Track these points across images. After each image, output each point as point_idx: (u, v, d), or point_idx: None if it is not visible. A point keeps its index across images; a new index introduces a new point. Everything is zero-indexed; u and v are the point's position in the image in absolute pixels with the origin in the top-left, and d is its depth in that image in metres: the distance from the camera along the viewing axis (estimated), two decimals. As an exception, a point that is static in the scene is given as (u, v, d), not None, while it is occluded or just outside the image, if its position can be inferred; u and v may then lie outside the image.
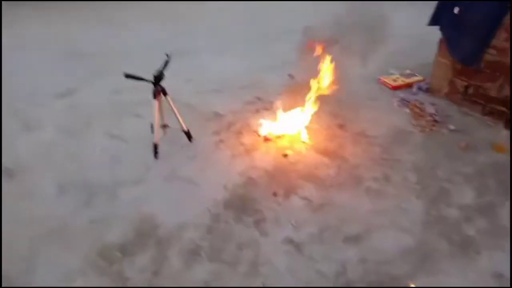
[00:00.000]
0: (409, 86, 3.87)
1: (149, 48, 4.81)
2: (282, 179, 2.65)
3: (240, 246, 2.14)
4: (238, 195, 2.50)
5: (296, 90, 3.79)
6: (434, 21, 3.48)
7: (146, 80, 2.57)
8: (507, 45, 2.97)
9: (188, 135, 2.99)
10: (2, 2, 6.64)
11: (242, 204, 2.43)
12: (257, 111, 3.48)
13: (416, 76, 4.00)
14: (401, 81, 3.89)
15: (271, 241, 2.18)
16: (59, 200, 2.44)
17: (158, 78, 2.62)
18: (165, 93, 2.71)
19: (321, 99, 3.60)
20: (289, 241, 2.18)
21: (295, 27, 5.58)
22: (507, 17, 2.90)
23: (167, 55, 2.59)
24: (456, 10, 3.22)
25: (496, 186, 2.59)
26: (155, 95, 2.65)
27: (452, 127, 3.18)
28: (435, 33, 3.52)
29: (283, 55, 4.67)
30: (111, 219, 2.30)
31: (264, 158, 2.87)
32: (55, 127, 3.18)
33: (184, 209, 2.38)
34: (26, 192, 2.49)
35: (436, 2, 3.42)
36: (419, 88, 3.79)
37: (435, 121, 3.26)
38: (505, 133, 2.89)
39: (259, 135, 3.10)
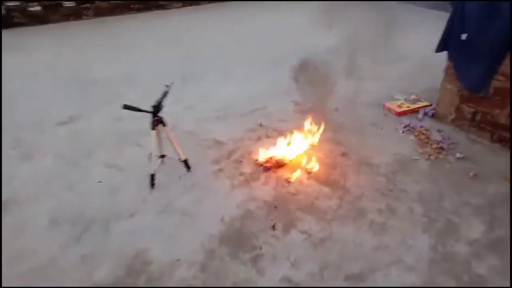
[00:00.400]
0: (414, 112, 3.78)
1: (156, 74, 4.84)
2: (282, 211, 2.55)
3: (234, 285, 2.04)
4: (235, 229, 2.41)
5: (300, 117, 3.75)
6: (441, 47, 3.41)
7: (145, 111, 2.55)
8: (515, 71, 2.89)
9: (187, 164, 2.93)
10: (12, 29, 6.86)
11: (238, 239, 2.34)
12: (259, 138, 3.42)
13: (422, 101, 3.91)
14: (406, 106, 3.80)
15: (268, 280, 2.07)
16: (51, 234, 2.38)
17: (156, 109, 2.59)
18: (164, 124, 2.68)
19: (325, 126, 3.54)
20: (287, 280, 2.07)
21: (301, 52, 5.62)
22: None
23: (166, 85, 2.57)
24: (463, 36, 3.16)
25: (507, 219, 2.45)
26: (153, 126, 2.62)
27: (459, 155, 3.07)
28: (442, 57, 3.45)
29: (288, 80, 4.65)
30: (102, 255, 2.22)
31: (264, 188, 2.79)
32: (54, 155, 3.16)
33: (178, 244, 2.30)
34: (19, 224, 2.44)
35: (444, 28, 3.36)
36: (425, 114, 3.69)
37: (442, 148, 3.15)
38: (516, 162, 2.77)
39: (259, 164, 3.02)
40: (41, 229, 2.42)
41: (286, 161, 3.02)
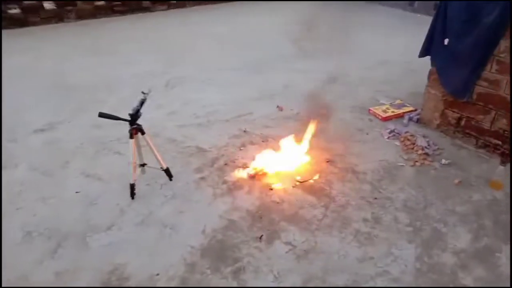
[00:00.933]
0: (399, 117, 3.76)
1: (138, 79, 4.73)
2: (265, 221, 2.49)
3: (215, 301, 1.97)
4: (216, 241, 2.33)
5: (284, 123, 3.69)
6: (424, 52, 3.39)
7: (122, 119, 2.45)
8: (499, 77, 2.87)
9: (168, 173, 2.84)
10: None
11: (220, 251, 2.26)
12: (243, 145, 3.35)
13: (407, 106, 3.89)
14: (391, 111, 3.78)
15: (250, 295, 2.00)
16: (24, 248, 2.26)
17: (134, 117, 2.49)
18: (142, 132, 2.58)
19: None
20: (270, 294, 2.00)
21: (285, 56, 5.59)
22: (497, 49, 2.82)
23: (143, 93, 2.47)
24: (446, 41, 3.15)
25: (493, 227, 2.43)
26: (131, 134, 2.52)
27: (444, 161, 3.05)
28: (427, 61, 3.43)
29: (272, 85, 4.61)
30: (77, 271, 2.12)
31: (248, 197, 2.71)
32: (28, 165, 3.03)
33: (158, 258, 2.21)
34: (-11, 240, 2.32)
35: (426, 32, 3.34)
36: (410, 119, 3.68)
37: (427, 154, 3.13)
38: (501, 168, 2.75)
39: (243, 172, 2.95)
40: (14, 243, 2.31)
41: (272, 169, 2.95)
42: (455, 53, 3.10)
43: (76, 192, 2.74)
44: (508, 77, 2.82)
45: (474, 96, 3.08)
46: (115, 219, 2.50)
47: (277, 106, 4.04)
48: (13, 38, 6.57)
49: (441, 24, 3.14)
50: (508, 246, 2.28)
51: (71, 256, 2.22)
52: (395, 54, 5.47)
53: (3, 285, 1.81)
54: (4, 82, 4.64)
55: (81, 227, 2.42)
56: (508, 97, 2.85)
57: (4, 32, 6.86)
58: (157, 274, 2.11)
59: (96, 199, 2.68)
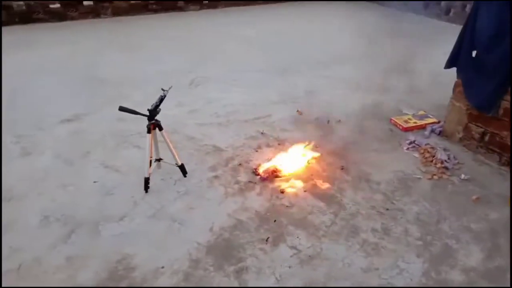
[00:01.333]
0: (421, 128, 3.67)
1: (164, 76, 4.86)
2: (273, 224, 2.50)
3: (215, 298, 2.00)
4: (223, 239, 2.37)
5: (302, 127, 3.69)
6: (451, 63, 3.31)
7: (141, 114, 2.53)
8: (527, 92, 2.77)
9: (183, 170, 2.90)
10: (32, 24, 7.01)
11: (225, 249, 2.29)
12: (259, 147, 3.37)
13: (430, 117, 3.80)
14: (413, 122, 3.70)
15: (250, 295, 2.02)
16: (40, 233, 2.38)
17: (152, 113, 2.57)
18: (160, 128, 2.66)
19: (327, 138, 3.48)
20: (270, 296, 2.01)
21: (309, 61, 5.58)
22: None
23: (163, 90, 2.54)
24: (473, 53, 3.06)
25: (508, 248, 2.33)
26: (149, 129, 2.60)
27: (464, 176, 2.95)
28: (453, 71, 3.34)
29: (295, 89, 4.61)
30: (87, 257, 2.21)
31: (258, 198, 2.74)
32: (52, 153, 3.18)
33: (165, 251, 2.27)
34: (9, 221, 2.44)
35: (454, 43, 3.26)
36: (432, 131, 3.58)
37: (446, 168, 3.04)
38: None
39: (256, 173, 2.98)
40: (31, 227, 2.43)
41: (284, 172, 2.96)
42: (482, 66, 3.01)
43: (94, 182, 2.85)
44: (537, 93, 2.71)
45: (500, 111, 2.97)
46: (128, 210, 2.58)
47: (297, 110, 4.04)
48: (51, 31, 6.90)
49: (469, 36, 3.05)
50: (523, 269, 2.19)
51: (83, 243, 2.31)
52: (425, 63, 5.34)
53: (2, 286, 1.89)
54: (39, 73, 4.88)
55: (95, 216, 2.52)
56: (536, 114, 2.74)
57: (43, 25, 7.22)
58: (162, 267, 2.16)
59: (112, 190, 2.77)
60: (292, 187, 2.85)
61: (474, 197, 2.75)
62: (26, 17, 7.16)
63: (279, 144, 3.39)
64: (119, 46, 6.14)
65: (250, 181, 2.90)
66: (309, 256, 2.26)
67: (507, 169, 3.03)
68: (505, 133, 2.97)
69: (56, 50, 5.83)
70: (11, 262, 2.14)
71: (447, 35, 3.31)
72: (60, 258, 2.20)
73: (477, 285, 2.09)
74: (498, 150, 3.08)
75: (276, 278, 2.11)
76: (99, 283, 2.05)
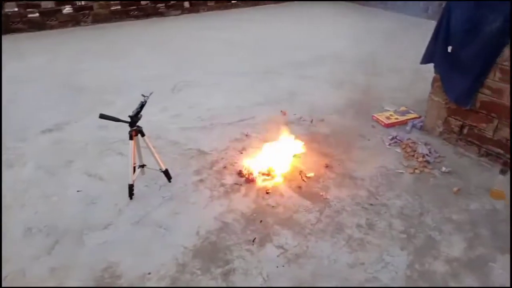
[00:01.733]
0: (403, 123, 3.73)
1: (147, 82, 4.84)
2: (259, 225, 2.51)
3: (203, 302, 2.00)
4: (209, 242, 2.37)
5: (286, 128, 3.71)
6: (426, 59, 3.38)
7: (122, 121, 2.52)
8: (502, 85, 2.83)
9: (167, 175, 2.89)
10: (10, 35, 6.90)
11: (212, 252, 2.29)
12: (244, 149, 3.38)
13: (411, 113, 3.86)
14: (394, 118, 3.76)
15: (238, 297, 2.02)
16: (24, 244, 2.34)
17: (134, 119, 2.56)
18: (142, 134, 2.65)
19: (311, 137, 3.51)
20: (257, 297, 2.02)
21: (292, 63, 5.62)
22: (501, 57, 2.78)
23: (143, 96, 2.54)
24: (449, 49, 3.12)
25: (490, 237, 2.39)
26: (131, 136, 2.59)
27: (445, 169, 3.01)
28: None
29: (278, 91, 4.64)
30: (72, 267, 2.18)
31: (244, 200, 2.74)
32: (35, 164, 3.14)
33: (151, 258, 2.26)
34: (-9, 234, 2.41)
35: (429, 39, 3.33)
36: (413, 126, 3.65)
37: (427, 162, 3.10)
38: (503, 178, 2.70)
39: (241, 175, 2.98)
40: (15, 238, 2.39)
41: (270, 172, 2.97)
42: (458, 60, 3.07)
43: (78, 191, 2.82)
44: None
45: (477, 104, 3.05)
46: (112, 218, 2.56)
47: (281, 111, 4.06)
48: (31, 40, 6.81)
49: (444, 32, 3.11)
50: (504, 256, 2.23)
51: (67, 253, 2.29)
52: (405, 61, 5.43)
53: (3, 285, 1.87)
54: (20, 83, 4.81)
55: (79, 225, 2.49)
56: None
57: (22, 35, 7.12)
58: (149, 273, 2.15)
59: (96, 199, 2.75)
60: (277, 187, 2.86)
61: (455, 189, 2.80)
62: (4, 27, 7.04)
63: (263, 145, 3.40)
64: (100, 54, 6.09)
65: (235, 183, 2.91)
66: (296, 254, 2.28)
67: (487, 160, 3.10)
68: (483, 125, 3.04)
69: (36, 60, 5.75)
70: (-7, 275, 2.11)
71: (428, 32, 3.36)
72: (44, 269, 2.17)
73: (460, 275, 2.13)
74: (476, 142, 3.15)
75: (264, 278, 2.12)
76: (85, 292, 2.04)
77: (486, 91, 2.94)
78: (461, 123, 3.23)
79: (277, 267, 2.20)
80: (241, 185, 2.89)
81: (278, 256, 2.28)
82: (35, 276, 2.13)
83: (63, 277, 2.12)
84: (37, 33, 7.31)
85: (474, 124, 3.13)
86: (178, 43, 6.71)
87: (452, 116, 3.29)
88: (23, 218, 2.56)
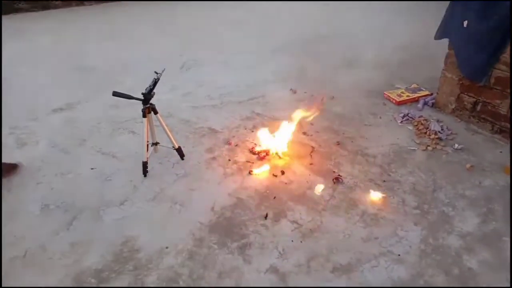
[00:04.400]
0: (414, 101, 3.70)
1: (156, 61, 4.80)
2: (273, 201, 2.53)
3: (221, 274, 2.03)
4: (225, 218, 2.40)
5: (297, 106, 3.69)
6: (441, 34, 3.32)
7: (135, 98, 2.52)
8: (518, 60, 2.79)
9: (180, 152, 2.91)
10: (14, 15, 6.83)
11: (228, 227, 2.33)
12: (255, 127, 3.38)
13: (423, 90, 3.83)
14: (406, 96, 3.73)
15: (255, 270, 2.06)
16: (42, 220, 2.38)
17: (147, 97, 2.55)
18: (155, 112, 2.65)
19: (321, 114, 3.49)
20: (274, 270, 2.05)
21: (301, 40, 5.54)
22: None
23: (156, 73, 2.53)
24: (465, 23, 3.06)
25: (502, 212, 2.40)
26: (144, 113, 2.59)
27: (457, 146, 3.00)
28: (446, 45, 3.35)
29: (287, 68, 4.60)
30: (91, 242, 2.23)
31: (257, 177, 2.76)
32: (49, 143, 3.16)
33: (168, 232, 2.29)
34: (10, 210, 2.45)
35: (444, 14, 3.26)
36: (425, 104, 3.62)
37: (440, 139, 3.09)
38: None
39: (253, 153, 2.99)
40: (32, 215, 2.43)
41: (281, 150, 2.98)
42: (474, 35, 3.01)
43: (92, 169, 2.84)
44: (527, 60, 2.73)
45: (492, 80, 3.00)
46: (128, 195, 2.59)
47: (291, 89, 4.04)
48: (35, 20, 6.75)
49: (460, 5, 3.05)
50: (517, 232, 2.26)
51: (86, 228, 2.33)
52: (415, 38, 5.34)
53: (2, 285, 1.91)
54: (26, 64, 4.80)
55: (96, 202, 2.53)
56: (527, 81, 2.78)
57: (26, 14, 7.05)
58: (167, 247, 2.19)
59: (110, 176, 2.78)
60: (289, 164, 2.87)
61: (468, 165, 2.80)
62: (7, 7, 6.97)
63: (274, 123, 3.39)
64: (106, 33, 6.04)
65: (247, 161, 2.92)
66: (310, 229, 2.31)
67: (500, 137, 3.09)
68: (497, 102, 3.01)
69: (41, 40, 5.71)
70: (16, 250, 2.15)
71: (438, 8, 3.30)
72: (64, 244, 2.22)
73: (474, 249, 2.15)
74: (490, 119, 3.13)
75: (279, 252, 2.16)
76: (105, 266, 2.08)
77: (502, 67, 2.89)
78: (474, 99, 3.20)
79: (292, 241, 2.23)
80: (253, 162, 2.91)
81: (292, 230, 2.30)
82: (55, 251, 2.17)
83: (84, 252, 2.16)
84: (41, 12, 7.23)
85: (488, 101, 3.09)
86: (184, 22, 6.62)
87: (465, 93, 3.25)
88: (40, 195, 2.60)
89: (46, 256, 2.13)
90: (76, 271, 2.04)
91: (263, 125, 3.37)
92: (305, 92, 3.97)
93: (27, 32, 6.08)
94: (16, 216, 2.41)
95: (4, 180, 2.69)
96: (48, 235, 2.28)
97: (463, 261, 2.09)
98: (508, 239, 2.21)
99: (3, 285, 1.90)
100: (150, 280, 1.99)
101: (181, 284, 1.97)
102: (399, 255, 2.12)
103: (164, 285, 1.97)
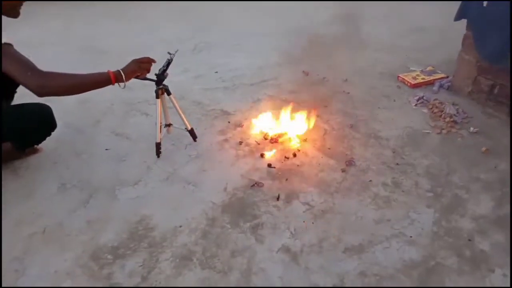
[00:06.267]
0: (430, 84, 3.64)
1: (168, 44, 4.78)
2: (285, 182, 2.54)
3: (234, 253, 2.07)
4: (237, 198, 2.42)
5: (309, 88, 3.67)
6: (460, 15, 3.23)
7: (149, 79, 2.53)
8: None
9: (193, 134, 2.93)
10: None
11: (240, 208, 2.35)
12: (267, 109, 3.37)
13: (438, 73, 3.76)
14: (421, 78, 3.67)
15: (267, 249, 2.08)
16: (59, 199, 2.44)
17: (160, 78, 2.56)
18: (168, 93, 2.66)
19: (334, 97, 3.47)
20: (286, 250, 2.08)
21: (314, 22, 5.46)
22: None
23: (169, 53, 2.53)
24: (485, 3, 2.98)
25: (519, 195, 2.38)
26: (158, 94, 2.60)
27: (473, 129, 2.96)
28: (462, 27, 3.28)
29: (299, 50, 4.55)
30: (107, 220, 2.27)
31: (269, 159, 2.77)
32: (64, 123, 3.19)
33: (182, 212, 2.33)
34: (27, 188, 2.50)
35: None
36: (441, 86, 3.56)
37: (455, 122, 3.04)
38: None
39: (265, 137, 2.99)
40: (49, 194, 2.49)
41: (294, 132, 2.97)
42: (494, 15, 2.93)
43: (106, 149, 2.89)
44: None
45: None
46: (142, 175, 2.63)
47: (303, 71, 4.00)
48: (45, 3, 6.74)
49: (480, -16, 2.96)
50: (532, 215, 2.23)
51: (102, 207, 2.37)
52: (431, 20, 5.22)
53: (3, 285, 1.95)
54: (38, 46, 4.82)
55: (111, 181, 2.57)
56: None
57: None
58: (180, 226, 2.23)
59: (124, 156, 2.81)
60: (301, 146, 2.87)
61: (483, 149, 2.76)
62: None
63: (287, 106, 3.38)
64: (116, 16, 6.02)
65: (259, 143, 2.93)
66: (322, 211, 2.32)
67: (517, 120, 3.03)
68: (516, 84, 2.95)
69: (53, 23, 5.73)
70: (35, 226, 2.21)
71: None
72: (81, 221, 2.27)
73: (487, 232, 2.14)
74: (507, 102, 3.07)
75: (291, 232, 2.18)
76: (121, 243, 2.13)
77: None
78: (492, 82, 3.13)
79: (304, 222, 2.24)
80: (265, 144, 2.91)
81: (304, 212, 2.32)
82: (73, 228, 2.22)
83: (100, 229, 2.21)
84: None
85: (506, 84, 3.03)
86: (194, 4, 6.56)
87: (483, 75, 3.19)
88: (56, 174, 2.65)
89: (64, 233, 2.19)
90: (93, 247, 2.10)
91: (276, 108, 3.37)
92: (317, 75, 3.93)
93: (38, 15, 6.09)
94: (34, 195, 2.47)
95: (21, 160, 2.75)
96: (66, 212, 2.33)
97: (475, 243, 2.08)
98: (523, 222, 2.19)
99: (2, 285, 1.94)
100: (164, 257, 2.04)
101: (195, 262, 2.01)
102: (411, 236, 2.13)
103: (178, 262, 2.01)
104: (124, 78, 2.27)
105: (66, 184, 2.56)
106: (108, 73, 2.26)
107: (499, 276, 1.91)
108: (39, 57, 2.38)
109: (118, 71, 2.28)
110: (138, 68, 2.35)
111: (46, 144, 2.86)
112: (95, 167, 2.71)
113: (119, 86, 2.33)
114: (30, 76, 2.08)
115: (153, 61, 2.43)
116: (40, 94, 2.10)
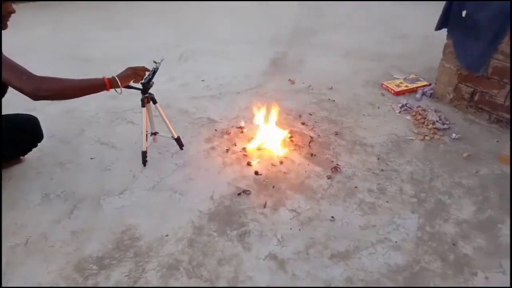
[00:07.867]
0: (413, 91, 3.72)
1: (152, 51, 4.79)
2: (272, 190, 2.55)
3: (220, 261, 2.06)
4: (224, 206, 2.42)
5: (296, 96, 3.71)
6: (441, 25, 3.32)
7: (134, 88, 2.52)
8: (515, 50, 2.81)
9: (179, 142, 2.92)
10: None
11: (227, 216, 2.35)
12: (253, 117, 3.38)
13: (421, 80, 3.84)
14: (404, 86, 3.74)
15: (254, 257, 2.08)
16: (43, 209, 2.40)
17: (146, 86, 2.56)
18: (154, 101, 2.65)
19: (320, 105, 3.51)
20: (273, 257, 2.08)
21: (299, 30, 5.53)
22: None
23: (155, 62, 2.53)
24: (463, 13, 3.07)
25: (498, 200, 2.44)
26: (143, 103, 2.60)
27: (455, 135, 3.03)
28: (444, 35, 3.36)
29: (285, 59, 4.60)
30: (92, 230, 2.24)
31: (255, 167, 2.78)
32: (48, 133, 3.13)
33: (168, 221, 2.31)
34: (11, 199, 2.46)
35: (444, 4, 3.26)
36: (423, 94, 3.63)
37: (437, 129, 3.11)
38: (512, 143, 2.73)
39: (251, 144, 3.01)
40: (33, 204, 2.44)
41: (279, 141, 3.00)
42: (472, 25, 3.02)
43: (91, 159, 2.85)
44: (525, 50, 2.75)
45: (489, 70, 3.02)
46: (127, 184, 2.61)
47: (289, 79, 4.04)
48: (32, 10, 6.68)
49: (459, -5, 3.05)
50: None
51: (86, 217, 2.34)
52: (414, 28, 5.35)
53: (3, 285, 1.92)
54: (23, 54, 4.75)
55: (96, 191, 2.54)
56: (524, 70, 2.79)
57: (24, 4, 6.97)
58: (167, 235, 2.21)
59: (110, 166, 2.79)
60: (287, 154, 2.89)
61: (465, 154, 2.83)
62: (4, -3, 6.90)
63: (272, 114, 3.40)
64: (102, 24, 5.99)
65: (246, 151, 2.94)
66: (309, 217, 2.34)
67: (497, 126, 3.11)
68: (495, 91, 3.03)
69: (39, 30, 5.67)
70: (18, 238, 2.17)
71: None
72: (65, 232, 2.23)
73: (470, 236, 2.19)
74: (487, 109, 3.15)
75: (278, 240, 2.19)
76: (106, 253, 2.10)
77: (500, 56, 2.91)
78: (472, 89, 3.22)
79: (291, 229, 2.26)
80: (252, 152, 2.92)
81: (291, 219, 2.33)
82: (57, 239, 2.19)
83: (85, 240, 2.18)
84: (38, 3, 7.15)
85: (485, 91, 3.11)
86: (180, 13, 6.57)
87: (463, 83, 3.27)
88: (40, 184, 2.61)
89: (48, 244, 2.15)
90: (78, 258, 2.06)
91: (261, 116, 3.39)
92: (303, 83, 3.97)
93: (24, 22, 6.02)
94: (17, 205, 2.42)
95: (4, 170, 2.69)
96: (49, 223, 2.29)
97: (459, 247, 2.12)
98: (503, 226, 2.25)
99: (3, 285, 1.91)
100: (151, 266, 2.02)
101: (181, 271, 2.00)
102: (396, 242, 2.16)
103: (164, 271, 1.99)
104: (119, 83, 2.27)
105: (50, 194, 2.52)
106: (103, 78, 2.25)
107: (481, 279, 1.95)
108: (24, 65, 2.33)
109: (113, 77, 2.28)
110: (134, 74, 2.36)
111: (30, 154, 2.82)
112: (79, 176, 2.68)
113: (116, 91, 2.31)
114: (26, 80, 2.07)
115: (148, 70, 2.45)
116: (35, 98, 2.09)
